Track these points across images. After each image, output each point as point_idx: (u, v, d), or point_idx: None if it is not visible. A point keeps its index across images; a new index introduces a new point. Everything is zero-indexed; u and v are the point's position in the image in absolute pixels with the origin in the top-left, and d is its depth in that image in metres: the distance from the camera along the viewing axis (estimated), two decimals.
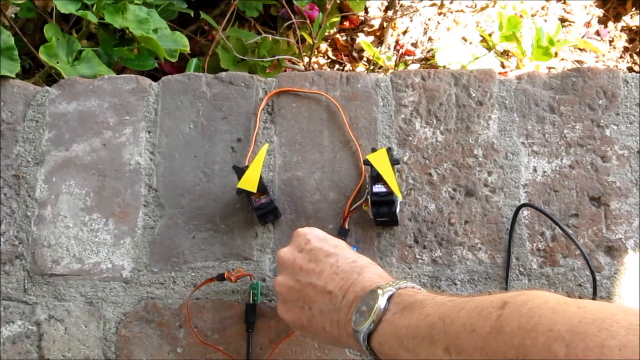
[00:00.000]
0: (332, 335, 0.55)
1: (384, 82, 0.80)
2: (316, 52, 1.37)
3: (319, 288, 0.56)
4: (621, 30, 1.40)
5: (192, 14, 1.14)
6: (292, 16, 1.12)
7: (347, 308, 0.53)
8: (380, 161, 0.70)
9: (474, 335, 0.40)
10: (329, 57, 1.41)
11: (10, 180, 0.79)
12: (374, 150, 0.72)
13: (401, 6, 1.43)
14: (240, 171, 0.72)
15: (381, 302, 0.49)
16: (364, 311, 0.50)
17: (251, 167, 0.71)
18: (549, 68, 1.32)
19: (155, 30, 0.94)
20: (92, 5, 0.91)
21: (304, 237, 0.61)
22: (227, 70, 1.03)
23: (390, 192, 0.70)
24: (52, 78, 0.96)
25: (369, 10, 1.45)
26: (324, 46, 1.41)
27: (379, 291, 0.50)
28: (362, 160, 0.76)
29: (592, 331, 0.34)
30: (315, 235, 0.61)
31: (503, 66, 1.32)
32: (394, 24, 1.41)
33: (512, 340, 0.37)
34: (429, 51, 1.37)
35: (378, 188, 0.70)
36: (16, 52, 0.83)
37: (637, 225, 0.73)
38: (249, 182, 0.71)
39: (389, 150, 0.71)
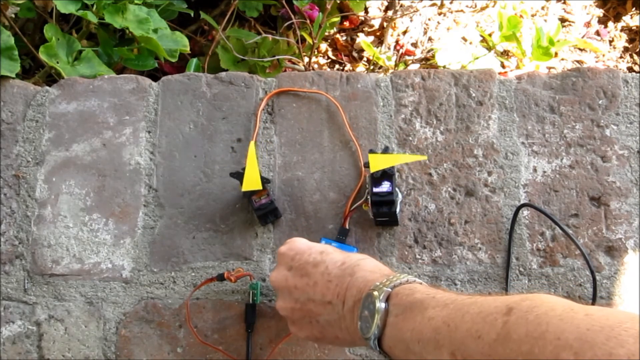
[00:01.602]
0: (346, 340, 0.55)
1: (384, 82, 0.80)
2: (316, 52, 1.37)
3: (318, 301, 0.56)
4: (621, 30, 1.40)
5: (192, 14, 1.14)
6: (292, 16, 1.12)
7: (350, 314, 0.53)
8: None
9: (479, 342, 0.40)
10: (329, 57, 1.41)
11: (10, 180, 0.79)
12: (372, 151, 0.72)
13: (401, 6, 1.43)
14: (239, 175, 0.72)
15: (380, 305, 0.49)
16: (366, 316, 0.50)
17: (248, 167, 0.71)
18: (549, 68, 1.32)
19: (155, 30, 0.93)
20: (92, 5, 0.91)
21: (288, 255, 0.61)
22: (227, 70, 1.03)
23: (390, 192, 0.70)
24: (52, 78, 0.96)
25: (369, 10, 1.45)
26: (324, 46, 1.41)
27: (375, 293, 0.49)
28: (362, 161, 0.76)
29: (600, 339, 0.34)
30: (298, 249, 0.61)
31: (503, 66, 1.32)
32: (394, 24, 1.41)
33: (519, 348, 0.37)
34: (429, 51, 1.37)
35: (378, 188, 0.70)
36: (16, 52, 0.83)
37: (637, 225, 0.73)
38: (252, 181, 0.70)
39: (386, 149, 0.71)
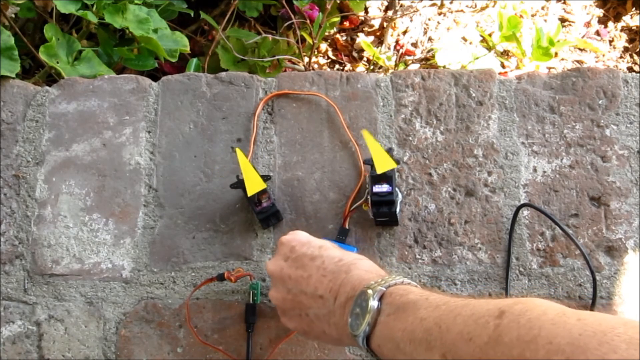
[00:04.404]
0: (332, 337, 0.55)
1: (384, 82, 0.80)
2: (316, 52, 1.37)
3: (309, 294, 0.56)
4: (621, 30, 1.40)
5: (192, 14, 1.14)
6: (292, 16, 1.12)
7: (341, 310, 0.53)
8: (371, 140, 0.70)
9: (471, 344, 0.40)
10: (329, 57, 1.41)
11: (10, 180, 0.79)
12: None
13: (401, 6, 1.43)
14: (240, 184, 0.72)
15: (373, 303, 0.49)
16: (357, 314, 0.50)
17: (245, 173, 0.70)
18: (549, 68, 1.32)
19: (155, 30, 0.93)
20: (92, 5, 0.91)
21: (288, 245, 0.61)
22: (227, 70, 1.03)
23: (390, 192, 0.70)
24: (52, 78, 0.96)
25: (369, 10, 1.45)
26: (324, 46, 1.41)
27: (369, 292, 0.49)
28: (361, 160, 0.76)
29: (593, 344, 0.34)
30: (298, 241, 0.61)
31: (503, 66, 1.32)
32: (394, 24, 1.41)
33: (510, 352, 0.37)
34: (429, 51, 1.37)
35: (378, 188, 0.70)
36: (16, 52, 0.83)
37: (637, 225, 0.73)
38: (254, 184, 0.70)
39: (389, 150, 0.71)
